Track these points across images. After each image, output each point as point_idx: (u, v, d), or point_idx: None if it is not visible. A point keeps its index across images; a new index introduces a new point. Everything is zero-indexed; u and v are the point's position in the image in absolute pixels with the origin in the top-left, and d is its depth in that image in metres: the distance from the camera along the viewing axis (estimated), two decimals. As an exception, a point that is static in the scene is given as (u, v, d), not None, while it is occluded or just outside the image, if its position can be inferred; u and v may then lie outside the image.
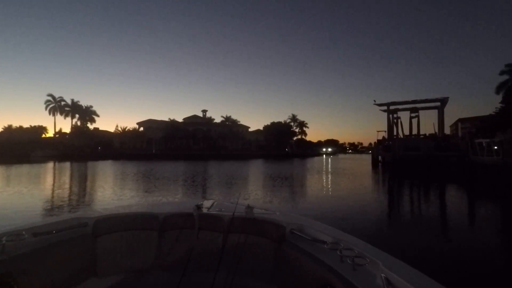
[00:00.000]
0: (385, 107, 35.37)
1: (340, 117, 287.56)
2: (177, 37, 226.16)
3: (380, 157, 30.58)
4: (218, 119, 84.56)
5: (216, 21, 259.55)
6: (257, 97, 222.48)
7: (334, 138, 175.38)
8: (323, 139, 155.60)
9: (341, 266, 1.41)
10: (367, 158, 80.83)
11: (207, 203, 2.58)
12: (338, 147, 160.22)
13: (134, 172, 23.98)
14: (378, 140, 36.19)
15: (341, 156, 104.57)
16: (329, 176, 20.62)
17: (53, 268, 1.78)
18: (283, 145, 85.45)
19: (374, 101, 34.67)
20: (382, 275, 1.27)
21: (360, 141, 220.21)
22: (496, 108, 44.92)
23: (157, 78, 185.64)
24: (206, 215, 2.28)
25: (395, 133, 34.70)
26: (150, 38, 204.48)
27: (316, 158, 69.42)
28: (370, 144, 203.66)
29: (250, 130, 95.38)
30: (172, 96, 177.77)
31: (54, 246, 1.82)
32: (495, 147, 16.80)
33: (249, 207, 2.25)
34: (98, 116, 66.18)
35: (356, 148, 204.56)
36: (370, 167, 32.78)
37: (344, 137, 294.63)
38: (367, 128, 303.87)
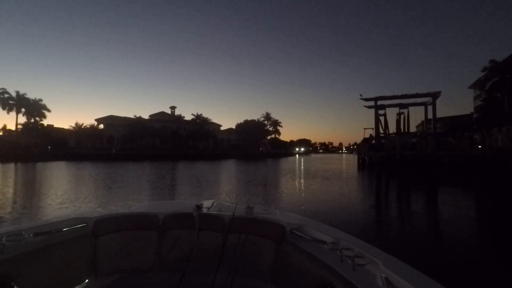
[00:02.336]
0: (371, 103, 33.20)
1: (312, 116, 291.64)
2: (143, 27, 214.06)
3: (366, 157, 28.16)
4: (188, 117, 79.31)
5: (186, 14, 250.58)
6: (230, 95, 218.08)
7: (306, 137, 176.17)
8: (295, 138, 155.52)
9: (341, 266, 1.40)
10: (341, 158, 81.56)
11: (207, 203, 2.49)
12: (310, 147, 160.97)
13: (84, 175, 19.78)
14: (365, 138, 34.08)
15: (313, 156, 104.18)
16: (314, 181, 17.53)
17: (53, 268, 1.80)
18: (257, 144, 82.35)
19: (360, 95, 32.46)
20: (382, 275, 1.27)
21: (331, 141, 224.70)
22: (474, 111, 45.45)
23: (120, 71, 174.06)
24: (206, 215, 2.24)
25: (382, 131, 32.71)
26: (111, 28, 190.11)
27: (290, 158, 68.16)
28: (340, 144, 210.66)
29: (222, 128, 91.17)
30: (137, 91, 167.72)
31: (54, 246, 1.82)
32: None
33: (249, 207, 2.25)
34: (49, 111, 57.88)
35: (327, 148, 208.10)
36: (354, 168, 30.52)
37: (315, 137, 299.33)
38: (339, 127, 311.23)
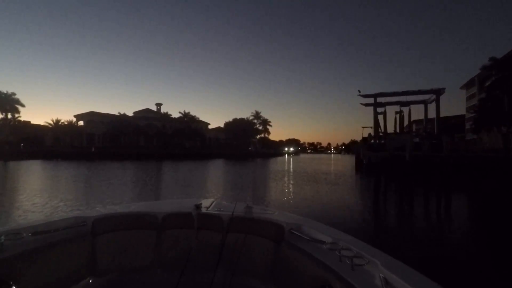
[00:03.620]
0: (369, 101, 31.41)
1: (301, 116, 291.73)
2: (128, 20, 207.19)
3: (365, 158, 26.25)
4: (175, 115, 76.10)
5: (174, 9, 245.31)
6: (218, 93, 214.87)
7: (295, 137, 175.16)
8: (284, 138, 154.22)
9: (340, 266, 1.41)
10: (331, 158, 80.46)
11: (206, 203, 2.52)
12: (299, 147, 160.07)
13: (47, 176, 17.29)
14: (363, 137, 32.30)
15: (302, 156, 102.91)
16: (309, 185, 15.44)
17: (52, 267, 1.79)
18: (246, 143, 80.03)
19: (359, 91, 30.59)
20: (381, 275, 1.28)
21: (319, 141, 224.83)
22: (472, 109, 44.32)
23: (103, 66, 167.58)
24: (205, 215, 2.25)
25: (382, 130, 30.97)
26: (93, 20, 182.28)
27: (280, 158, 66.62)
28: (329, 144, 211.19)
29: (210, 127, 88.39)
30: (122, 87, 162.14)
31: (53, 245, 1.81)
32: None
33: (248, 207, 2.27)
34: (23, 106, 53.78)
35: (315, 148, 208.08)
36: (348, 168, 28.69)
37: (304, 137, 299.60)
38: (328, 127, 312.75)
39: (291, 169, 27.57)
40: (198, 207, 2.28)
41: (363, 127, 33.98)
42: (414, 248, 5.51)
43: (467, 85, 51.84)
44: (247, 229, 2.08)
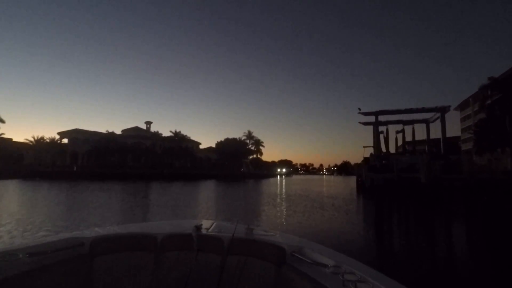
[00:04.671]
0: (369, 119, 30.08)
1: (293, 136, 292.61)
2: (117, 35, 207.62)
3: (367, 180, 24.37)
4: (166, 134, 73.79)
5: (165, 26, 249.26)
6: (210, 112, 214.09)
7: (287, 158, 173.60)
8: (276, 159, 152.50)
9: None
10: (323, 179, 78.68)
11: (206, 224, 2.48)
12: (291, 168, 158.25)
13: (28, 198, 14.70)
14: (365, 158, 30.65)
15: (295, 177, 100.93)
16: (318, 213, 13.45)
17: None
18: (238, 164, 77.74)
19: (359, 109, 29.30)
20: None
21: (311, 162, 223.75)
22: (469, 130, 43.68)
23: (90, 81, 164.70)
24: (205, 236, 2.19)
25: (384, 149, 29.46)
26: (78, 33, 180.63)
27: (272, 180, 64.79)
28: (321, 165, 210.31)
29: (201, 147, 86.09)
30: (110, 104, 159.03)
31: (50, 267, 1.76)
32: None
33: (249, 228, 2.23)
34: (2, 121, 50.89)
35: (308, 169, 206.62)
36: (352, 191, 26.81)
37: (295, 157, 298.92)
38: (320, 148, 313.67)
39: (290, 193, 25.48)
40: (198, 228, 2.21)
41: (364, 147, 32.58)
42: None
43: (461, 106, 51.79)
44: (248, 251, 2.02)
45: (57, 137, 61.43)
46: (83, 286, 1.93)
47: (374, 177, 23.56)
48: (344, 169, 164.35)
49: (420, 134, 31.82)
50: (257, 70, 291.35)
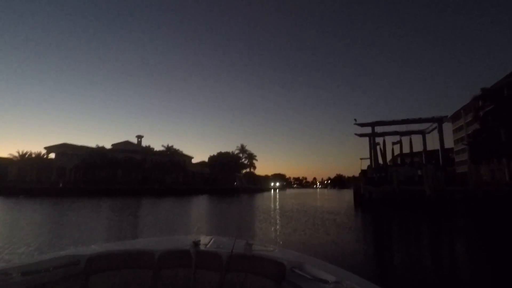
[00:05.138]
0: (365, 130, 29.56)
1: (286, 150, 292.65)
2: (108, 45, 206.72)
3: (366, 193, 23.57)
4: (158, 149, 72.34)
5: (157, 38, 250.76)
6: (202, 126, 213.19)
7: (280, 172, 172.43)
8: (269, 173, 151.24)
9: None
10: (318, 193, 77.70)
11: (204, 240, 2.44)
12: (284, 182, 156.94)
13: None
14: (362, 170, 29.95)
15: (289, 191, 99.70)
16: (315, 232, 12.56)
17: None
18: (231, 178, 76.35)
19: (355, 120, 28.80)
20: None
21: (305, 176, 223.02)
22: (461, 142, 43.76)
23: (78, 94, 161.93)
24: (203, 253, 2.15)
25: (381, 161, 28.84)
26: (65, 41, 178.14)
27: (266, 194, 63.65)
28: (314, 179, 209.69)
29: (193, 161, 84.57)
30: (99, 118, 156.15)
31: (45, 286, 1.72)
32: None
33: (248, 244, 2.18)
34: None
35: (301, 182, 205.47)
36: (346, 204, 25.95)
37: (289, 171, 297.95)
38: (313, 161, 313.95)
39: (286, 208, 24.46)
40: (196, 244, 2.18)
41: (361, 159, 32.06)
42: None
43: (453, 118, 52.18)
44: (247, 267, 1.98)
45: (44, 151, 59.45)
46: None
47: (372, 190, 22.83)
48: (338, 182, 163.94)
49: (415, 146, 31.56)
50: (249, 83, 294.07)
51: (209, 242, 2.37)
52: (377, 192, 22.42)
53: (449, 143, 55.00)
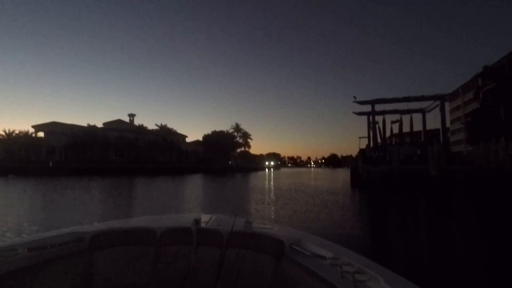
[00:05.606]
0: (364, 109, 28.78)
1: (281, 128, 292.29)
2: (99, 23, 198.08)
3: (364, 172, 23.10)
4: (151, 128, 70.83)
5: (150, 14, 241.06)
6: (196, 104, 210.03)
7: (275, 151, 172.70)
8: (263, 152, 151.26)
9: (342, 282, 1.37)
10: (313, 172, 78.23)
11: (205, 217, 2.46)
12: (279, 161, 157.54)
13: None
14: (361, 149, 29.40)
15: (283, 170, 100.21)
16: (317, 214, 12.05)
17: (48, 284, 1.73)
18: (226, 157, 75.88)
19: (354, 97, 27.83)
20: None
21: (299, 155, 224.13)
22: (458, 121, 43.30)
23: (70, 72, 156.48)
24: (204, 230, 2.18)
25: (379, 140, 28.28)
26: (55, 20, 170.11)
27: (260, 173, 63.54)
28: (309, 158, 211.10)
29: (187, 140, 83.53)
30: (91, 96, 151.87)
31: (49, 262, 1.76)
32: None
33: (248, 221, 2.17)
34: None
35: (295, 162, 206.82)
36: (341, 184, 25.61)
37: (283, 150, 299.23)
38: (308, 140, 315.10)
39: (283, 187, 24.00)
40: (197, 222, 2.18)
41: (360, 138, 31.38)
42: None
43: (451, 97, 51.54)
44: (247, 244, 2.00)
45: (32, 130, 57.61)
46: (83, 281, 1.93)
47: (371, 170, 22.37)
48: (331, 161, 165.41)
49: (414, 125, 30.96)
50: (244, 61, 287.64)
51: (210, 220, 2.41)
52: (376, 171, 21.98)
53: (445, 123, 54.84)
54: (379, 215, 11.50)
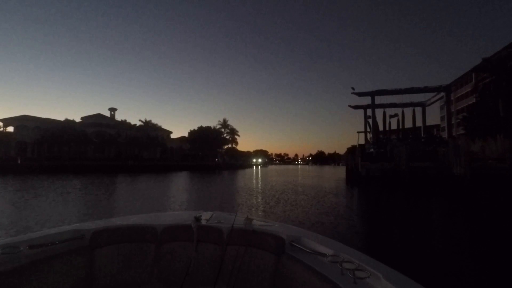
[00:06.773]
0: (360, 102, 27.05)
1: (267, 126, 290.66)
2: (79, 15, 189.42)
3: (363, 170, 21.30)
4: (135, 123, 67.23)
5: (134, 8, 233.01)
6: (182, 99, 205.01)
7: (262, 148, 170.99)
8: (251, 149, 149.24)
9: (342, 279, 1.37)
10: (301, 169, 76.79)
11: (206, 215, 2.46)
12: (266, 158, 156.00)
13: None
14: (359, 145, 27.67)
15: (271, 167, 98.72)
16: (327, 217, 10.15)
17: (49, 281, 1.72)
18: (213, 154, 73.26)
19: (352, 88, 25.97)
20: None
21: (286, 152, 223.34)
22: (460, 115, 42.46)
23: (45, 63, 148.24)
24: (205, 227, 2.17)
25: (379, 135, 26.64)
26: (36, 13, 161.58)
27: (248, 170, 61.53)
28: (296, 155, 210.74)
29: (173, 136, 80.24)
30: (67, 89, 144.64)
31: (50, 259, 1.75)
32: None
33: (248, 219, 2.21)
34: None
35: (283, 159, 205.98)
36: (336, 183, 23.83)
37: (270, 147, 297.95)
38: (293, 138, 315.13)
39: (276, 187, 21.96)
40: (198, 219, 2.17)
41: (358, 132, 29.65)
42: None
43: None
44: (247, 241, 2.00)
45: (0, 124, 53.02)
46: (84, 277, 1.92)
47: (370, 167, 20.63)
48: (319, 158, 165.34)
49: (408, 120, 29.58)
50: (231, 55, 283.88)
51: (210, 217, 2.38)
52: (376, 168, 20.27)
53: (434, 120, 54.32)
54: (378, 214, 10.88)
